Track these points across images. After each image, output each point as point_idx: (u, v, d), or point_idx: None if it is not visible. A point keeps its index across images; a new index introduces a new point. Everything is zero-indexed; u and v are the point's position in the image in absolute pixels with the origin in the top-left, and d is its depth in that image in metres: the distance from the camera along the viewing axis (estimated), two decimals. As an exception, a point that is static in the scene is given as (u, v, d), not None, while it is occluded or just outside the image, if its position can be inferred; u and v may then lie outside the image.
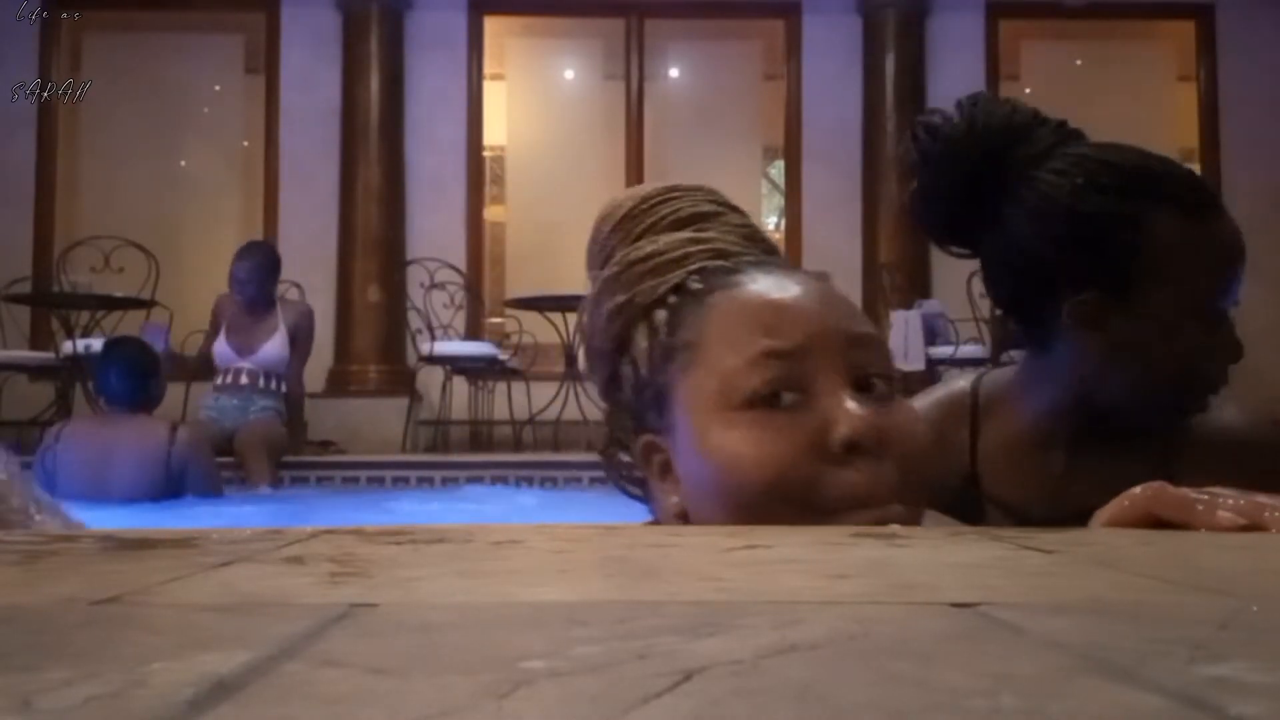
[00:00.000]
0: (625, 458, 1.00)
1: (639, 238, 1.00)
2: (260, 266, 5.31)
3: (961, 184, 1.23)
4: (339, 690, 0.32)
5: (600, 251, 1.02)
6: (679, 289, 0.95)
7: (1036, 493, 1.27)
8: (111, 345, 4.51)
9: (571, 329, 6.46)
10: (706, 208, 1.02)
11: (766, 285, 0.92)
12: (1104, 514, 0.81)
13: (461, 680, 0.33)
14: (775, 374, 0.87)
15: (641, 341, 0.95)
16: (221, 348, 5.30)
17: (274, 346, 5.29)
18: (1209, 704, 0.30)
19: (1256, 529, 0.73)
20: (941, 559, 0.63)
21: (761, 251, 1.00)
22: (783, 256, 1.03)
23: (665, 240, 0.98)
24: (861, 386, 0.88)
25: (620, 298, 0.97)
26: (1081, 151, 1.20)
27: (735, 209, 1.04)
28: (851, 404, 0.86)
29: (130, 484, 4.06)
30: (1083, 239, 1.17)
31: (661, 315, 0.95)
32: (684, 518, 0.93)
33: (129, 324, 5.90)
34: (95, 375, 4.43)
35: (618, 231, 1.02)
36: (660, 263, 0.97)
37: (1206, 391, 1.22)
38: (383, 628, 0.42)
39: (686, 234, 0.99)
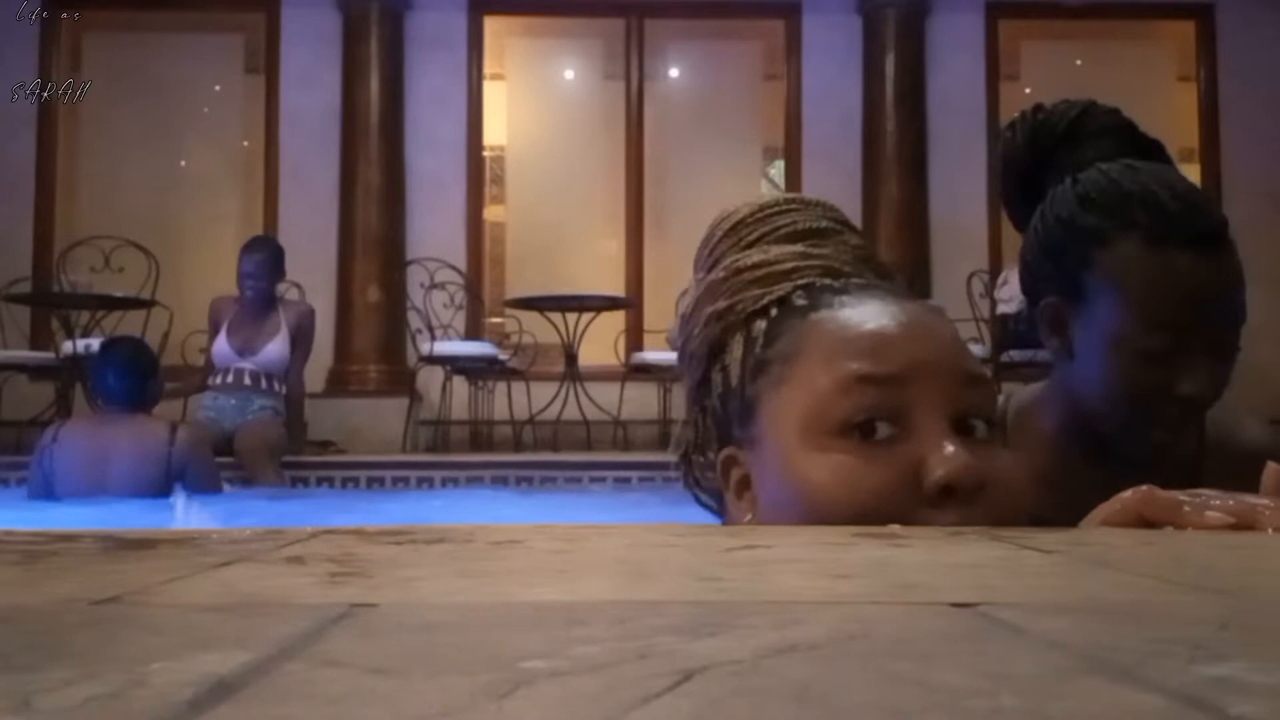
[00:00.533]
0: (704, 466, 0.98)
1: (750, 246, 0.98)
2: (267, 260, 5.33)
3: (1016, 179, 1.31)
4: (339, 690, 0.32)
5: (709, 256, 1.00)
6: (782, 302, 0.93)
7: (1064, 510, 1.28)
8: (108, 345, 4.50)
9: (572, 329, 6.47)
10: (824, 224, 1.00)
11: (871, 309, 0.89)
12: (1095, 516, 0.80)
13: (461, 680, 0.33)
14: (869, 401, 0.84)
15: (736, 350, 0.93)
16: (222, 348, 5.29)
17: (276, 347, 5.29)
18: (1209, 704, 0.30)
19: (1247, 528, 0.73)
20: (941, 559, 0.63)
21: (875, 275, 0.98)
22: (900, 282, 1.00)
23: (776, 251, 0.96)
24: (962, 428, 0.85)
25: (722, 304, 0.96)
26: (1106, 166, 1.23)
27: (854, 229, 1.02)
28: (951, 445, 0.82)
29: (129, 483, 4.06)
30: (1054, 243, 1.23)
31: (760, 326, 0.93)
32: None
33: (129, 324, 5.90)
34: (92, 375, 4.42)
35: (730, 237, 0.99)
36: (767, 273, 0.95)
37: (1165, 421, 1.21)
38: (383, 628, 0.42)
39: (799, 247, 0.97)
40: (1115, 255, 1.18)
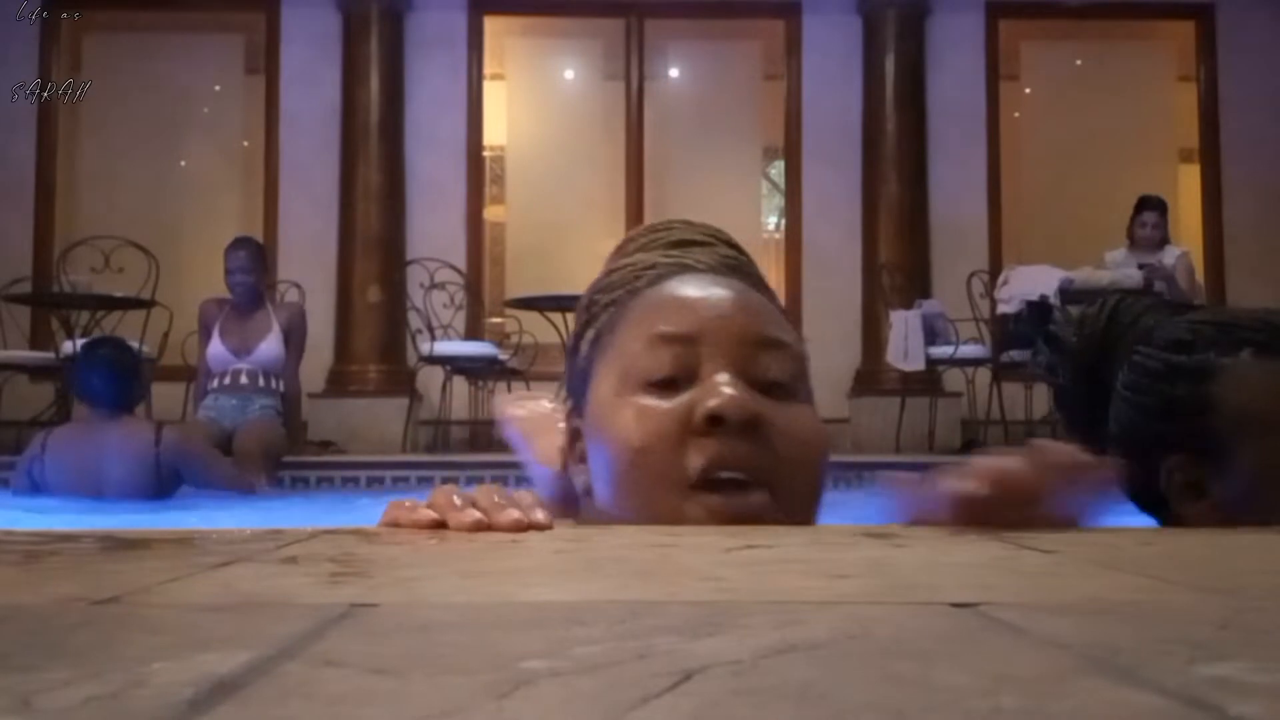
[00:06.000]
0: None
1: (629, 256, 1.08)
2: (252, 256, 5.38)
3: (1086, 383, 1.20)
4: (339, 690, 0.32)
5: (603, 271, 1.11)
6: (632, 293, 1.02)
7: None
8: (90, 347, 4.46)
9: (572, 329, 6.47)
10: (698, 237, 1.09)
11: (685, 283, 0.99)
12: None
13: (461, 680, 0.33)
14: (668, 358, 0.93)
15: (590, 335, 1.04)
16: (216, 350, 5.30)
17: (270, 345, 5.31)
18: (1209, 704, 0.30)
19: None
20: (941, 559, 0.63)
21: (737, 277, 1.04)
22: (755, 281, 1.07)
23: (643, 256, 1.06)
24: (764, 388, 0.92)
25: (586, 299, 1.07)
26: (1179, 317, 1.14)
27: (732, 245, 1.10)
28: (727, 386, 0.90)
29: (121, 487, 4.03)
30: (1164, 401, 1.10)
31: (611, 311, 1.02)
32: (589, 496, 0.98)
33: (129, 324, 5.90)
34: (76, 378, 4.36)
35: (617, 252, 1.11)
36: (629, 272, 1.04)
37: None
38: (383, 628, 0.42)
39: (668, 252, 1.06)
40: (1235, 381, 1.06)
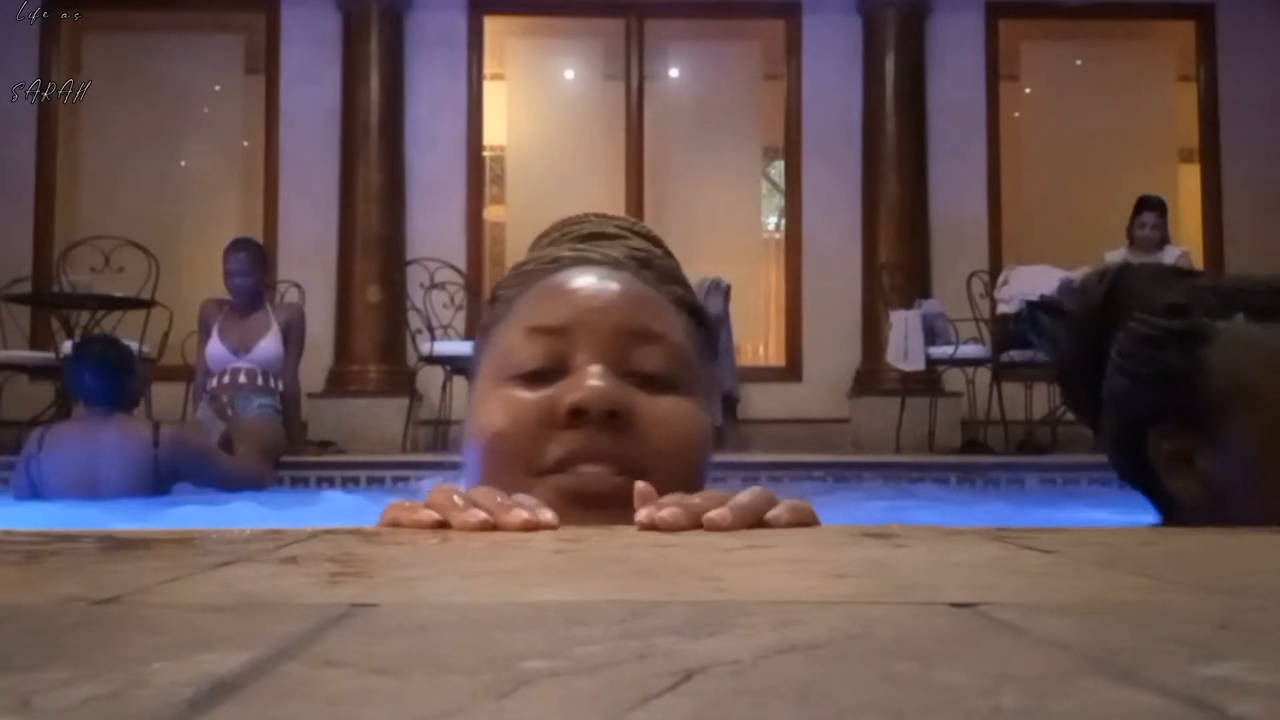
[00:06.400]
0: None
1: (539, 250, 1.08)
2: (252, 258, 5.39)
3: (1087, 354, 1.13)
4: (339, 690, 0.32)
5: (512, 266, 1.10)
6: (525, 288, 1.02)
7: None
8: (82, 345, 4.44)
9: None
10: (610, 230, 1.08)
11: (570, 276, 0.98)
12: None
13: (461, 680, 0.33)
14: (541, 350, 0.93)
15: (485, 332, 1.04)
16: (216, 349, 5.31)
17: (269, 344, 5.32)
18: (1209, 704, 0.30)
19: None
20: (941, 559, 0.63)
21: (640, 267, 1.02)
22: (664, 275, 1.04)
23: (551, 250, 1.05)
24: (641, 383, 0.92)
25: (490, 296, 1.07)
26: (1176, 284, 1.09)
27: (645, 237, 1.09)
28: (594, 379, 0.89)
29: (118, 486, 4.02)
30: (1155, 368, 1.04)
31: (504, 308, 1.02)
32: None
33: (129, 324, 5.90)
34: (68, 376, 4.31)
35: (531, 248, 1.11)
36: (534, 268, 1.03)
37: None
38: (383, 628, 0.42)
39: (576, 245, 1.05)
40: (1227, 345, 1.00)
